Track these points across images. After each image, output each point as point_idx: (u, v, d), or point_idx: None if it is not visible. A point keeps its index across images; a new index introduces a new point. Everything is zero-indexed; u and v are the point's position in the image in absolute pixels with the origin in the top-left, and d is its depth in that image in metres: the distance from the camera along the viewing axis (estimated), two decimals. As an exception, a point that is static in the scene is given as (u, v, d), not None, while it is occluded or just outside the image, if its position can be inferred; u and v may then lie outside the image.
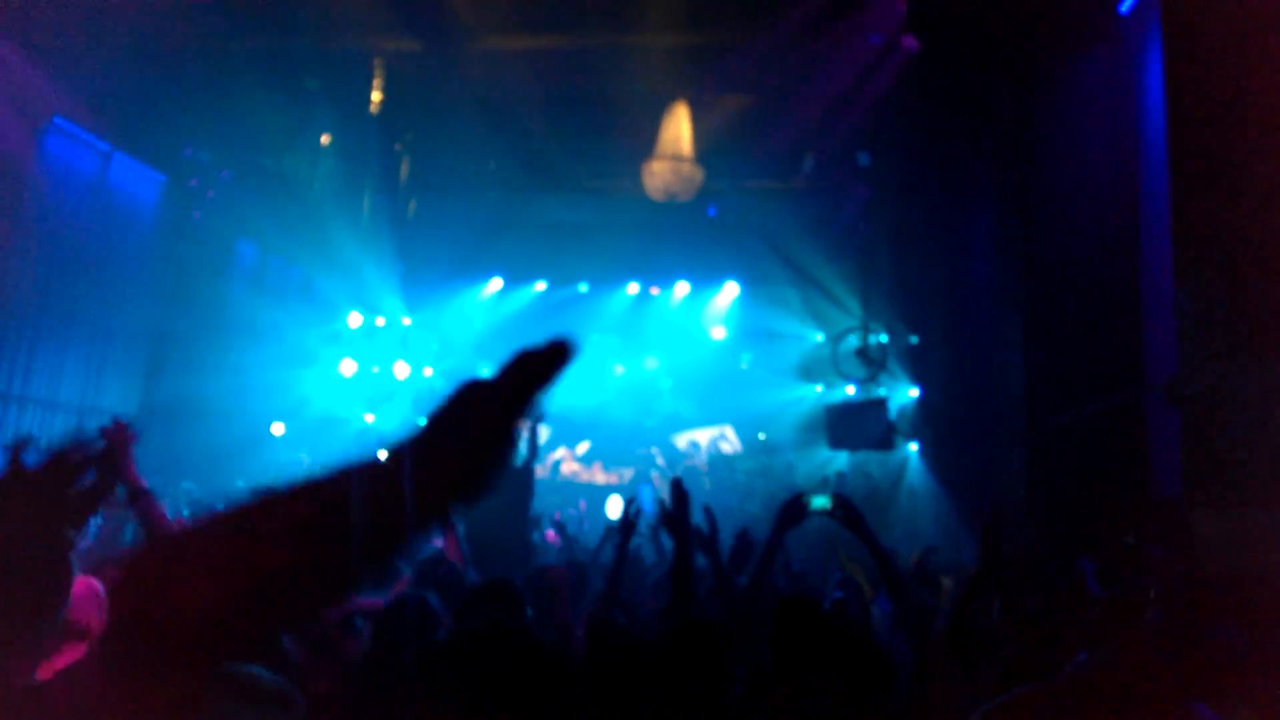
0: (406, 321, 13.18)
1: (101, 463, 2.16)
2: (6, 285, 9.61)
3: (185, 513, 4.28)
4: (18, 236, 9.61)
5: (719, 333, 13.24)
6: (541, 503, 7.45)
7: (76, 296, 10.59)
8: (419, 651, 2.24)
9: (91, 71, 9.32)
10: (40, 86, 9.18)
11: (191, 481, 8.34)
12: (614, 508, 11.22)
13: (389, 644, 2.48)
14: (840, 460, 11.31)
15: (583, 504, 9.21)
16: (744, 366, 13.01)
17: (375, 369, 13.05)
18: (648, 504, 11.21)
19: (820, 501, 3.18)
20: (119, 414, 2.43)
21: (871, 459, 11.00)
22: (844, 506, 3.22)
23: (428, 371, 13.04)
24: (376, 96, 9.69)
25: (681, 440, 13.14)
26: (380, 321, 13.18)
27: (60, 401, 10.35)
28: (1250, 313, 5.46)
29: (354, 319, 13.02)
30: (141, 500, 2.65)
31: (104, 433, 2.45)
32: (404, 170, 11.26)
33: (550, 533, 7.54)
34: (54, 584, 2.10)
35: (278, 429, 11.89)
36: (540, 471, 11.97)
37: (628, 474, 12.62)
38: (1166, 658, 2.71)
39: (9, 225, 9.45)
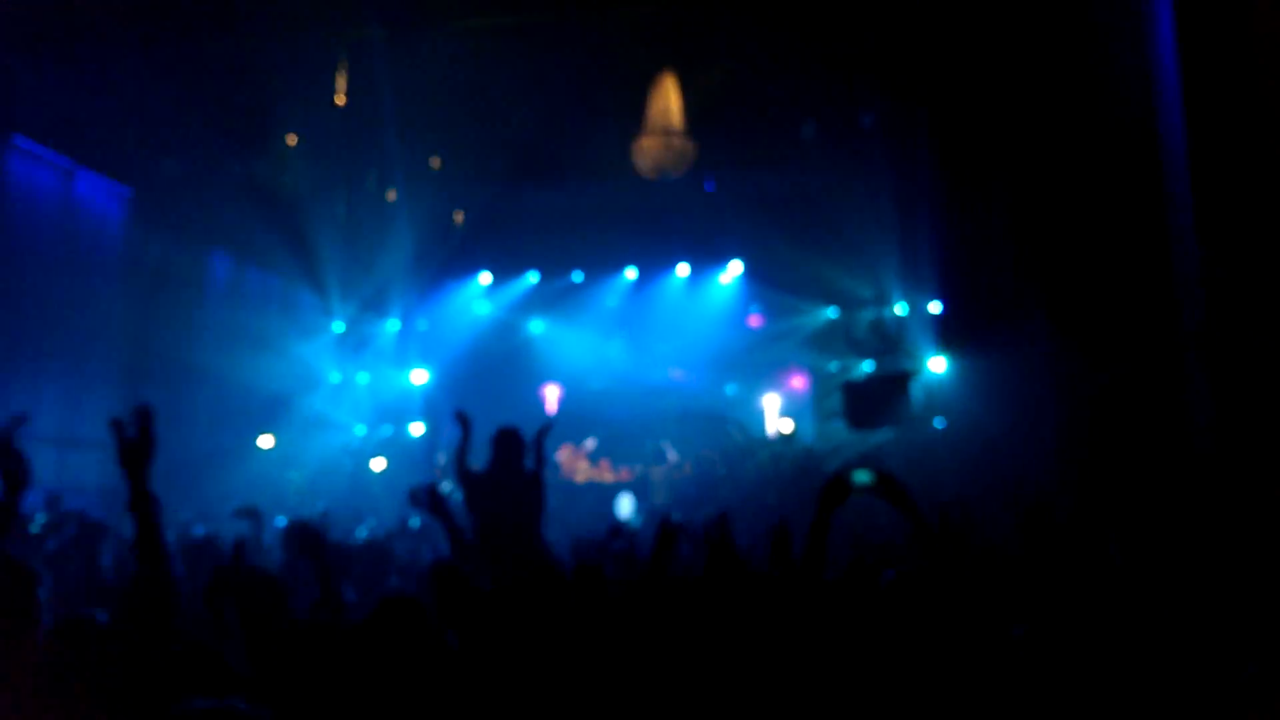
0: (394, 325, 13.35)
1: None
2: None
3: (170, 536, 4.41)
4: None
5: (755, 320, 13.36)
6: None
7: (48, 322, 10.75)
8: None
9: (46, 85, 9.46)
10: (-3, 107, 9.35)
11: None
12: (624, 506, 11.32)
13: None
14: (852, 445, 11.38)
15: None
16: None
17: (363, 377, 13.22)
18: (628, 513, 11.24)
19: (863, 477, 3.07)
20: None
21: (892, 438, 11.04)
22: (887, 481, 3.11)
23: (419, 377, 13.20)
24: (342, 90, 9.79)
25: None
26: (362, 327, 13.37)
27: (39, 434, 10.51)
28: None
29: (337, 326, 13.21)
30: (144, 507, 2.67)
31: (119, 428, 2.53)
32: (377, 167, 11.37)
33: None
34: None
35: (266, 442, 12.06)
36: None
37: (639, 470, 12.71)
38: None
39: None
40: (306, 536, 4.12)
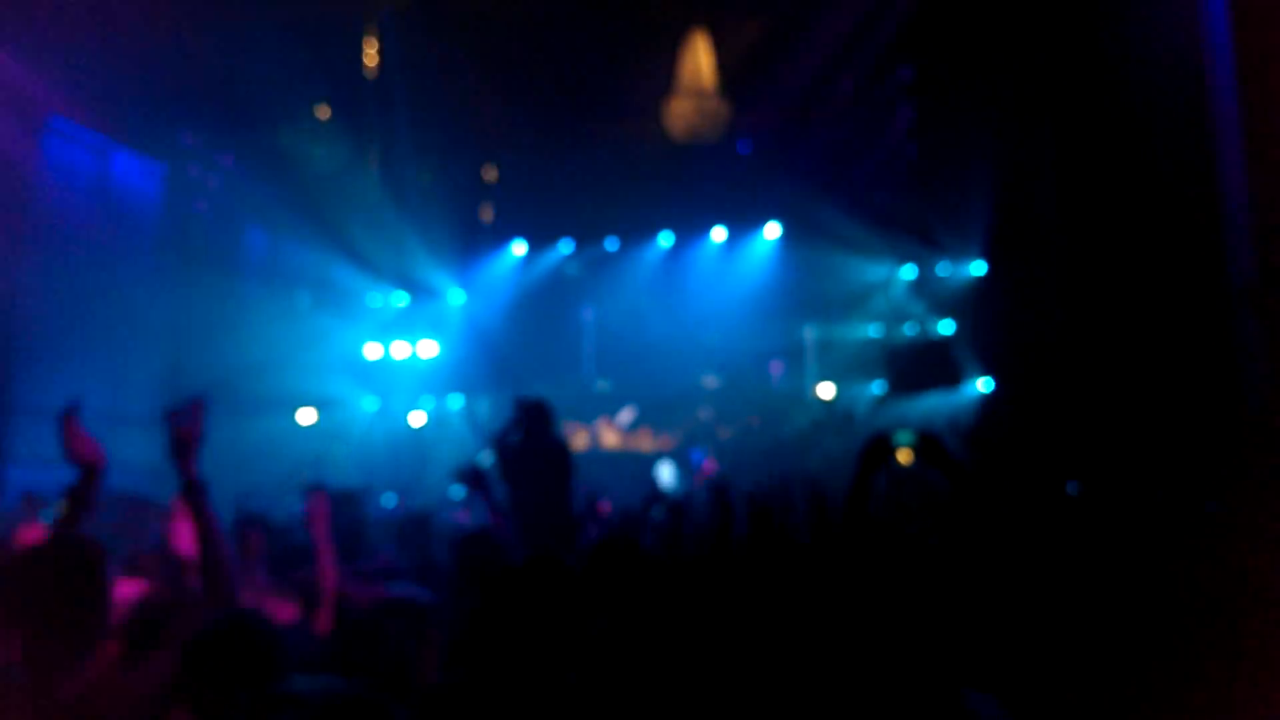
0: (430, 299, 13.61)
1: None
2: (18, 297, 10.14)
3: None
4: (25, 246, 10.10)
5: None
6: (587, 475, 7.66)
7: (91, 301, 11.12)
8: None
9: (80, 64, 9.70)
10: (34, 88, 9.58)
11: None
12: (666, 473, 11.50)
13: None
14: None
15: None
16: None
17: (402, 350, 13.51)
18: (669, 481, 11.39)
19: (905, 437, 2.92)
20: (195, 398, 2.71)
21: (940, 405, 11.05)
22: (932, 444, 2.87)
23: (428, 349, 13.51)
24: (372, 59, 9.93)
25: None
26: (402, 300, 13.62)
27: (87, 409, 10.89)
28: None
29: (374, 300, 13.51)
30: (197, 495, 2.72)
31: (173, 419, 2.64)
32: (409, 138, 11.53)
33: (605, 505, 7.81)
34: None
35: (308, 417, 12.44)
36: (585, 441, 12.34)
37: (680, 437, 12.81)
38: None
39: (15, 235, 9.94)
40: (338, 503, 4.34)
